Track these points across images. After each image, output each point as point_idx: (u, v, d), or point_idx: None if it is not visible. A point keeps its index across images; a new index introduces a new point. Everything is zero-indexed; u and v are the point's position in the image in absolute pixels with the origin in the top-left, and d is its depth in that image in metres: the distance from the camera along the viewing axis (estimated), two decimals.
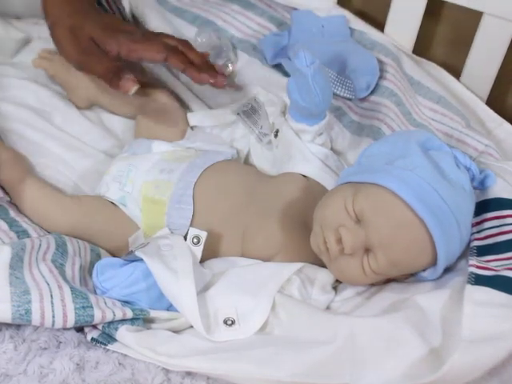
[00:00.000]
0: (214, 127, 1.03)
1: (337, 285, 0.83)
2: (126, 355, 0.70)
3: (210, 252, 0.83)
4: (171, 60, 0.91)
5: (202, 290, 0.77)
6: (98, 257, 0.86)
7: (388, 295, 0.77)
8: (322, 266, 0.81)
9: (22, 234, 0.83)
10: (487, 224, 0.79)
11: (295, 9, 1.10)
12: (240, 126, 1.00)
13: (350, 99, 1.06)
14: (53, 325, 0.69)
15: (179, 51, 0.94)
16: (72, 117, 1.03)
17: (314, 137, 0.92)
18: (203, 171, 0.89)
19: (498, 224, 0.78)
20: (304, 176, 0.91)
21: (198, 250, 0.79)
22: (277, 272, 0.79)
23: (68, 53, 0.93)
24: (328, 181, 0.90)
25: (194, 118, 1.03)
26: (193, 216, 0.86)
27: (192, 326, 0.74)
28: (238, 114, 1.00)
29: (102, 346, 0.72)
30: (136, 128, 1.04)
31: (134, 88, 0.89)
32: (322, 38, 1.07)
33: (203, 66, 0.95)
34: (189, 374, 0.69)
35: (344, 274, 0.79)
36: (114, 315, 0.72)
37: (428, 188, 0.73)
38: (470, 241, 0.78)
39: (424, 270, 0.77)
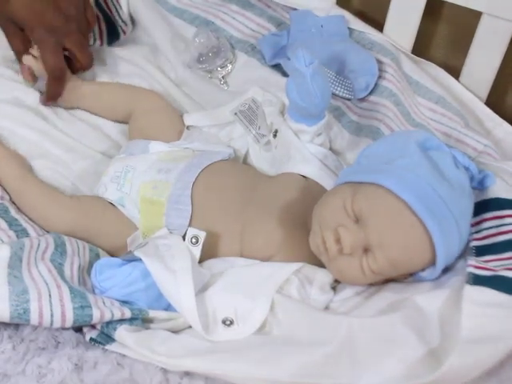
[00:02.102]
0: (211, 127, 1.03)
1: (336, 285, 0.83)
2: (124, 355, 0.70)
3: (209, 252, 0.83)
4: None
5: (201, 290, 0.77)
6: (97, 257, 0.86)
7: (387, 295, 0.77)
8: (321, 266, 0.81)
9: (21, 233, 0.83)
10: (486, 224, 0.79)
11: (294, 9, 1.10)
12: (238, 126, 1.00)
13: (348, 99, 1.06)
14: (51, 324, 0.69)
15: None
16: (70, 118, 1.03)
17: (313, 137, 0.92)
18: (201, 171, 0.89)
19: (496, 224, 0.78)
20: (303, 176, 0.91)
21: (197, 250, 0.79)
22: (275, 272, 0.78)
23: None
24: (327, 181, 0.90)
25: (189, 118, 1.03)
26: (191, 216, 0.86)
27: (191, 326, 0.74)
28: (236, 114, 0.99)
29: (101, 346, 0.72)
30: (129, 131, 1.04)
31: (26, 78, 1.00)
32: (321, 38, 1.07)
33: None
34: (187, 374, 0.69)
35: (343, 274, 0.79)
36: (113, 315, 0.72)
37: (427, 188, 0.73)
38: (469, 241, 0.78)
39: (423, 270, 0.77)
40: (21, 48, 1.00)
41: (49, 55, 0.96)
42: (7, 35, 1.00)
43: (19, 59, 1.01)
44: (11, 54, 1.05)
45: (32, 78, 1.01)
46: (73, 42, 0.98)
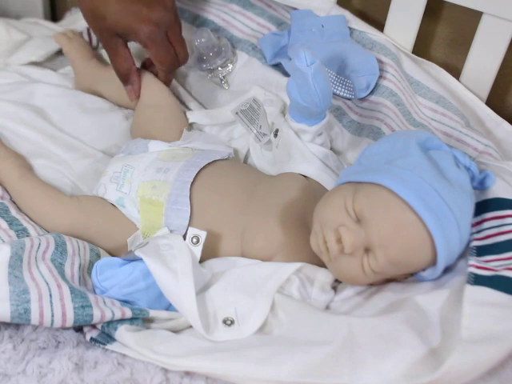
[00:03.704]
0: (212, 126, 1.03)
1: (336, 285, 0.83)
2: (124, 355, 0.71)
3: (210, 252, 0.83)
4: None
5: (202, 289, 0.77)
6: (98, 256, 0.86)
7: (387, 295, 0.77)
8: (322, 265, 0.81)
9: (22, 232, 0.84)
10: (487, 224, 0.79)
11: (295, 8, 1.10)
12: (239, 126, 1.00)
13: (349, 99, 1.06)
14: (52, 324, 0.69)
15: None
16: (71, 117, 1.04)
17: (314, 137, 0.92)
18: (200, 171, 0.89)
19: (497, 224, 0.78)
20: (304, 176, 0.91)
21: (198, 250, 0.79)
22: (276, 272, 0.79)
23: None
24: (328, 181, 0.90)
25: (192, 116, 1.03)
26: (191, 216, 0.86)
27: (191, 326, 0.74)
28: (237, 113, 0.99)
29: (101, 346, 0.72)
30: (132, 127, 1.04)
31: (134, 99, 1.02)
32: (322, 38, 1.06)
33: None
34: (188, 373, 0.69)
35: (344, 274, 0.79)
36: (113, 315, 0.72)
37: (428, 188, 0.72)
38: (470, 241, 0.78)
39: (424, 270, 0.77)
40: (125, 67, 0.98)
41: (161, 52, 0.96)
42: (114, 56, 0.97)
43: (125, 81, 1.00)
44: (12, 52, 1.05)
45: (137, 96, 1.02)
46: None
